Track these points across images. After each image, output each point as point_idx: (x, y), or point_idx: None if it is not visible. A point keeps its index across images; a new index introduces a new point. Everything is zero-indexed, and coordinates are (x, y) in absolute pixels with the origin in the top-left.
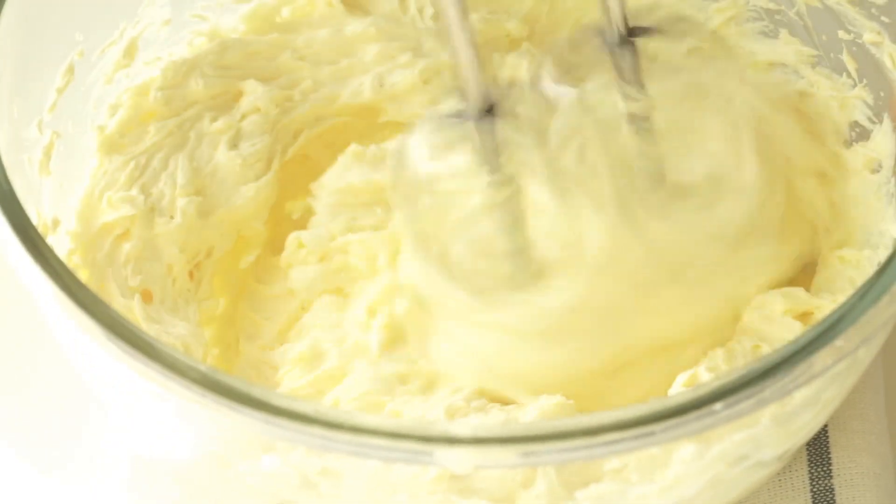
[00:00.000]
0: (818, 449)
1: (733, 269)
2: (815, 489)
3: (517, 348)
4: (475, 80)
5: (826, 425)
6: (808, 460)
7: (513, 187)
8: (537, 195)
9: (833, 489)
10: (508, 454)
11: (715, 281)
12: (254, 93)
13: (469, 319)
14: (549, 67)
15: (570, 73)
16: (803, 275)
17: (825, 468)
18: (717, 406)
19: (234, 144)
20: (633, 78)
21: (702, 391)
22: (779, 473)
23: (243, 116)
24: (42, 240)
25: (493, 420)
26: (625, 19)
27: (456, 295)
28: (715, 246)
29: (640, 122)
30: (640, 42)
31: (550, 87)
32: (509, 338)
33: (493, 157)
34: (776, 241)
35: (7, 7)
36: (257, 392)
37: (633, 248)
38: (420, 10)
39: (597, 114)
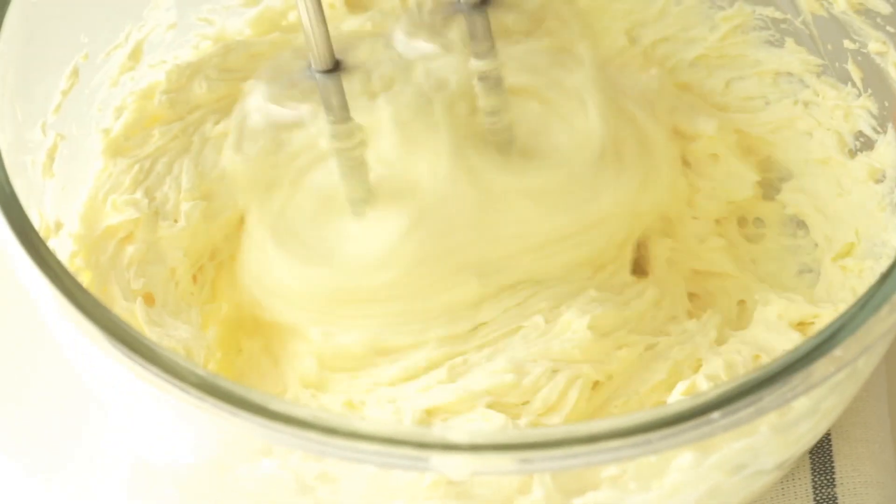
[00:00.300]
0: (821, 457)
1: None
2: (818, 498)
3: (355, 281)
4: (320, 34)
5: (829, 433)
6: (812, 468)
7: (356, 137)
8: (380, 145)
9: (836, 497)
10: (505, 461)
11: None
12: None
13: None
14: (404, 24)
15: (424, 31)
16: (805, 284)
17: (828, 476)
18: (715, 415)
19: (238, 148)
20: (484, 41)
21: (700, 400)
22: (782, 482)
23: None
24: (43, 243)
25: (490, 426)
26: None
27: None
28: (551, 211)
29: (489, 84)
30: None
31: (403, 43)
32: (345, 275)
33: (338, 107)
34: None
35: (11, 9)
36: (255, 397)
37: (466, 195)
38: (419, 6)
39: (444, 71)
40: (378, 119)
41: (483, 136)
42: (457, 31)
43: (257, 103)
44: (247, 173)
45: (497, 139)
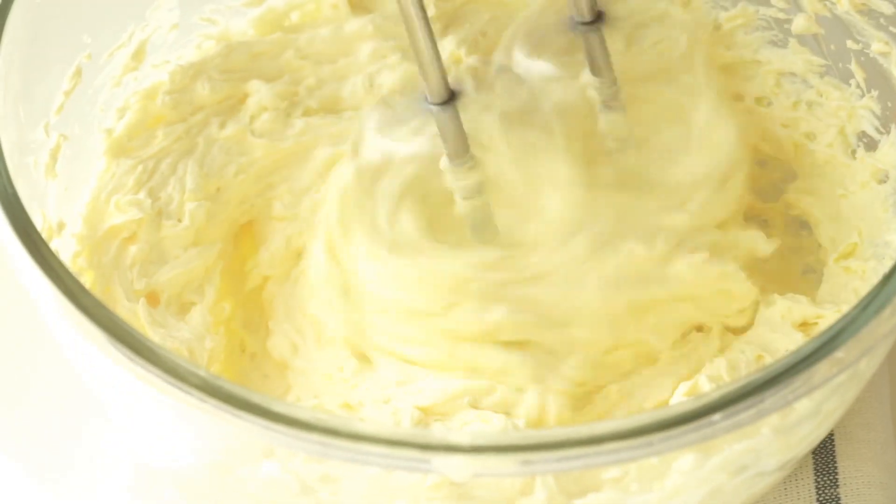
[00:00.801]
0: (824, 458)
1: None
2: (821, 498)
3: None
4: (434, 67)
5: (832, 434)
6: (815, 469)
7: (476, 171)
8: (500, 169)
9: (839, 498)
10: (507, 463)
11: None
12: (258, 92)
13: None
14: (519, 45)
15: (540, 51)
16: (808, 284)
17: (831, 477)
18: (717, 416)
19: (242, 152)
20: (601, 62)
21: (701, 401)
22: (784, 482)
23: (252, 119)
24: (45, 243)
25: (492, 428)
26: (592, 4)
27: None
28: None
29: (608, 104)
30: (609, 28)
31: (520, 64)
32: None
33: (454, 140)
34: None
35: (14, 9)
36: (257, 398)
37: (594, 216)
38: (534, 29)
39: (564, 94)
40: (497, 143)
41: (605, 165)
42: (573, 50)
43: (371, 136)
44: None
45: (621, 165)
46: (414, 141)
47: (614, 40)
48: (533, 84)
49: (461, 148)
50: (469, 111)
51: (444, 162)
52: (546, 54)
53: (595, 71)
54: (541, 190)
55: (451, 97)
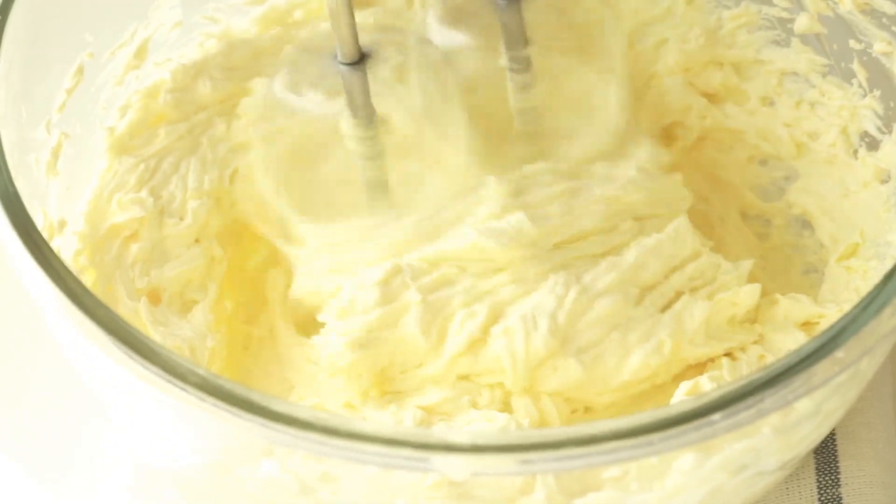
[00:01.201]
0: (826, 457)
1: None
2: (822, 498)
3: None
4: (347, 25)
5: (834, 433)
6: (816, 468)
7: (378, 131)
8: (401, 132)
9: (841, 498)
10: (506, 462)
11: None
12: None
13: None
14: (436, 13)
15: (457, 20)
16: (810, 284)
17: (833, 476)
18: (716, 416)
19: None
20: (516, 34)
21: (701, 401)
22: (786, 481)
23: None
24: (45, 242)
25: (491, 427)
26: None
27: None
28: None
29: (518, 77)
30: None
31: (437, 32)
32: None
33: (361, 101)
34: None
35: (15, 7)
36: (256, 397)
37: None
38: (424, 3)
39: (474, 66)
40: (401, 107)
41: (507, 131)
42: (489, 23)
43: (279, 91)
44: (268, 160)
45: (524, 132)
46: (321, 98)
47: (537, 13)
48: (447, 53)
49: (366, 110)
50: (379, 75)
51: (346, 123)
52: (462, 24)
53: (509, 43)
54: (441, 158)
55: (361, 58)
